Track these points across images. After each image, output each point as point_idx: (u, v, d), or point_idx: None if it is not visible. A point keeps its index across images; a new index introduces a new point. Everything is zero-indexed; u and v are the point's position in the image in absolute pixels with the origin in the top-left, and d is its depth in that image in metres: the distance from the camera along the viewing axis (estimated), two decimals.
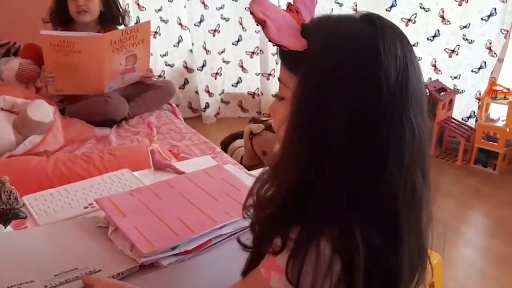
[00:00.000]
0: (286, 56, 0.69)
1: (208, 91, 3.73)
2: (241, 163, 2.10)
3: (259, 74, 3.78)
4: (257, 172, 1.40)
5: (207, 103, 3.74)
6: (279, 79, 0.74)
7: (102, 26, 2.33)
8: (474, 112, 3.24)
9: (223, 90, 3.85)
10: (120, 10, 2.40)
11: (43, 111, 1.87)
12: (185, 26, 3.61)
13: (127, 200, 1.12)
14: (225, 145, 2.36)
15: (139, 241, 0.97)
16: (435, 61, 3.32)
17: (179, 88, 3.77)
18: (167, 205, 1.12)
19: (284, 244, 0.64)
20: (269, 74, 3.75)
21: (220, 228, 1.05)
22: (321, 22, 0.71)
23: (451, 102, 3.22)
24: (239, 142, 2.30)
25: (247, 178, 1.29)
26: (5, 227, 1.06)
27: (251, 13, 0.67)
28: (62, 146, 1.94)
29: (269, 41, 0.67)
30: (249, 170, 2.06)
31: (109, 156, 1.58)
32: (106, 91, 2.25)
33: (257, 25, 0.68)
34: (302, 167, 0.65)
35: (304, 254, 0.62)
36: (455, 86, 3.29)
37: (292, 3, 0.75)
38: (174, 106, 2.59)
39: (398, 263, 0.65)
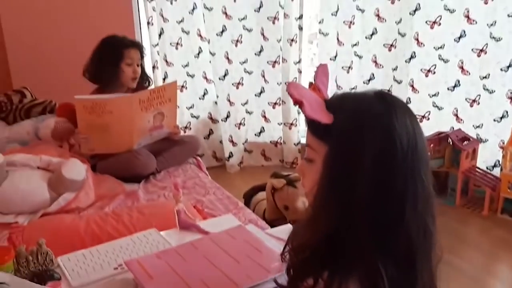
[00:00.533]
0: (315, 127, 0.83)
1: (232, 141, 3.83)
2: (263, 216, 2.15)
3: (281, 123, 3.87)
4: (277, 230, 1.45)
5: (231, 152, 3.84)
6: (307, 144, 0.87)
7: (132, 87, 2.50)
8: (499, 161, 3.22)
9: (246, 139, 3.94)
10: (146, 72, 2.58)
11: (76, 169, 1.99)
12: (210, 80, 3.76)
13: (154, 262, 1.18)
14: (248, 198, 2.42)
15: None
16: (457, 111, 3.35)
17: (204, 138, 3.88)
18: (192, 268, 1.17)
19: (316, 283, 0.76)
20: (291, 124, 3.83)
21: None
22: (342, 99, 0.85)
23: (474, 151, 3.22)
24: (261, 195, 2.35)
25: (267, 239, 1.34)
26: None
27: (289, 94, 0.81)
28: (93, 202, 2.04)
29: (305, 116, 0.81)
30: (271, 224, 2.11)
31: (137, 214, 1.65)
32: (135, 147, 2.36)
33: (295, 105, 0.84)
34: (333, 220, 0.77)
35: None
36: (478, 135, 3.30)
37: (313, 83, 0.92)
38: (199, 159, 2.68)
39: None
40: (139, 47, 2.47)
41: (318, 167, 0.81)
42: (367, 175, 0.75)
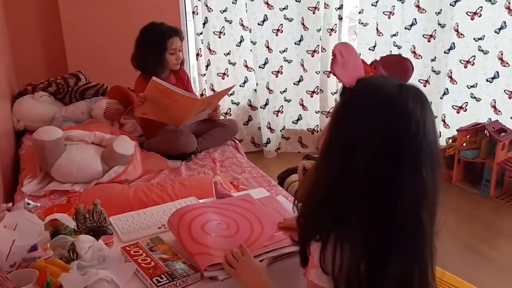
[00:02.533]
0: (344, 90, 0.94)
1: (270, 128, 3.96)
2: (295, 196, 2.28)
3: (319, 112, 3.96)
4: None
5: (269, 138, 3.97)
6: None
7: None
8: None
9: (284, 126, 4.06)
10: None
11: (126, 145, 2.19)
12: (251, 68, 3.90)
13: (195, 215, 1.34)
14: (282, 179, 2.56)
15: (201, 256, 1.18)
16: (495, 102, 3.35)
17: (243, 124, 4.03)
18: (230, 224, 1.32)
19: (325, 239, 0.87)
20: (328, 112, 3.91)
21: (268, 252, 1.23)
22: (374, 77, 0.95)
23: (511, 143, 3.22)
24: (295, 177, 2.48)
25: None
26: (97, 241, 1.32)
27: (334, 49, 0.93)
28: (140, 176, 2.24)
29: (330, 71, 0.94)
30: None
31: (179, 185, 1.83)
32: (180, 127, 2.55)
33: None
34: (333, 175, 0.87)
35: (331, 249, 0.85)
36: None
37: (377, 61, 1.01)
38: (237, 142, 2.84)
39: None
40: (179, 34, 2.62)
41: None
42: (365, 164, 0.84)
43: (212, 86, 3.84)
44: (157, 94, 2.35)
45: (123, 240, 1.36)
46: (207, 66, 3.81)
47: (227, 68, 3.86)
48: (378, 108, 0.86)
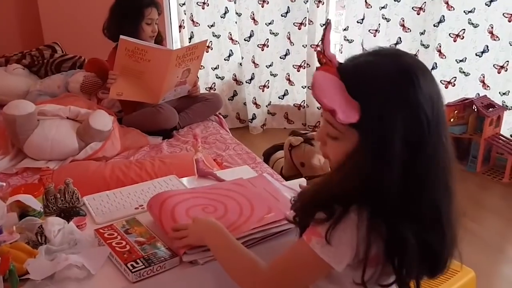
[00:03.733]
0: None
1: (255, 103, 3.87)
2: (280, 173, 2.21)
3: (305, 86, 3.88)
4: (293, 183, 1.50)
5: (254, 114, 3.88)
6: (329, 122, 0.87)
7: None
8: None
9: (270, 102, 3.97)
10: (160, 32, 2.62)
11: (103, 120, 2.08)
12: (236, 41, 3.78)
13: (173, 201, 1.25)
14: (267, 155, 2.48)
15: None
16: (484, 77, 3.29)
17: (228, 99, 3.94)
18: (210, 206, 1.25)
19: (330, 216, 0.82)
20: None
21: (254, 233, 1.16)
22: (363, 79, 0.84)
23: (499, 118, 3.18)
24: (280, 153, 2.41)
25: (283, 189, 1.40)
26: (68, 223, 1.23)
27: (318, 101, 0.84)
28: (118, 152, 2.14)
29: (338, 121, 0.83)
30: (287, 180, 2.17)
31: (159, 163, 1.74)
32: (160, 102, 2.44)
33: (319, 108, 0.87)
34: (365, 176, 0.82)
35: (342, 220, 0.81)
36: (504, 102, 3.25)
37: (321, 55, 0.92)
38: (221, 117, 2.74)
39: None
40: (157, 6, 2.50)
41: (344, 146, 0.85)
42: (398, 155, 0.79)
43: None
44: (128, 60, 2.24)
45: (97, 222, 1.28)
46: (190, 39, 3.68)
47: (211, 41, 3.73)
48: (403, 111, 0.81)
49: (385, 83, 0.81)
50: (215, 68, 3.84)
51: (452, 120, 3.30)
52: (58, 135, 1.99)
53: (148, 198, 1.38)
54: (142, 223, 1.24)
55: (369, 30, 3.57)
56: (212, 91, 3.83)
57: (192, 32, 3.67)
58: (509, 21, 3.08)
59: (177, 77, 2.41)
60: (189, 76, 2.47)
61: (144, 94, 2.37)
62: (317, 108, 3.89)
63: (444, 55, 3.40)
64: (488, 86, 3.29)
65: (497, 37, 3.16)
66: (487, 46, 3.22)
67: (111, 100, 2.59)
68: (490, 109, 3.15)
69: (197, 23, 3.66)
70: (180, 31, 3.67)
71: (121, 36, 2.18)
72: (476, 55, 3.27)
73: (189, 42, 3.66)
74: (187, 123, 2.53)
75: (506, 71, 3.18)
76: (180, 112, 2.51)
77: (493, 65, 3.22)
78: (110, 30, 2.46)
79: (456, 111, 3.27)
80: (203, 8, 3.64)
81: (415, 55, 3.43)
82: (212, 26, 3.71)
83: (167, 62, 2.28)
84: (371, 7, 3.51)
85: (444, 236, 0.87)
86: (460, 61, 3.34)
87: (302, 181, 1.49)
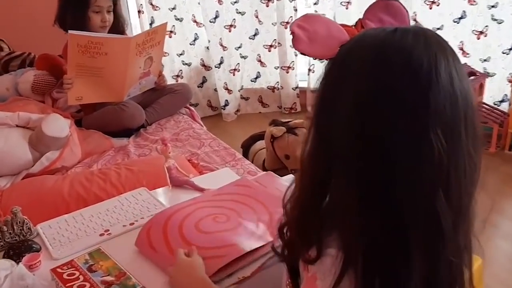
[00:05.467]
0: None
1: (227, 88, 3.66)
2: (263, 166, 2.03)
3: (278, 67, 3.68)
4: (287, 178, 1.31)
5: (227, 100, 3.67)
6: None
7: None
8: (507, 96, 3.07)
9: (242, 86, 3.76)
10: (122, 18, 2.32)
11: (58, 125, 1.83)
12: (201, 23, 3.53)
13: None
14: (246, 148, 2.29)
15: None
16: (462, 44, 3.15)
17: (198, 86, 3.71)
18: (230, 215, 1.05)
19: (319, 253, 0.63)
20: (288, 67, 3.64)
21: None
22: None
23: (481, 86, 3.06)
24: (260, 144, 2.22)
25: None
26: (17, 263, 1.02)
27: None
28: (80, 160, 1.90)
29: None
30: None
31: (126, 172, 1.52)
32: (125, 99, 2.19)
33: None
34: (318, 169, 0.65)
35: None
36: (485, 69, 3.13)
37: (360, 19, 0.77)
38: (192, 109, 2.52)
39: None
40: None
41: None
42: (348, 125, 0.61)
43: None
44: (83, 57, 1.96)
45: (54, 257, 1.07)
46: (151, 24, 3.41)
47: (173, 25, 3.47)
48: (364, 60, 0.62)
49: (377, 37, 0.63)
50: (181, 54, 3.59)
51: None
52: (7, 146, 1.74)
53: (114, 219, 1.18)
54: (109, 255, 1.03)
55: (340, 3, 3.37)
56: (179, 79, 3.59)
57: (152, 17, 3.40)
58: None
59: (139, 68, 2.16)
60: (152, 65, 2.22)
61: (106, 94, 2.12)
62: (292, 89, 3.70)
63: (419, 23, 3.24)
64: (467, 53, 3.16)
65: (474, 1, 3.02)
66: (465, 12, 3.07)
67: (67, 99, 2.32)
68: (471, 77, 3.02)
69: (157, 7, 3.39)
70: (139, 17, 3.39)
71: (70, 31, 1.90)
72: (454, 21, 3.13)
73: (150, 28, 3.40)
74: (155, 119, 2.29)
75: (485, 36, 3.05)
76: (146, 107, 2.27)
77: (472, 31, 3.09)
78: (59, 19, 2.19)
79: None
80: None
81: None
82: (173, 9, 3.44)
83: (126, 51, 2.03)
84: None
85: None
86: (438, 28, 3.19)
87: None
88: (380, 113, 0.59)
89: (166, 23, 2.25)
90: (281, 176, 1.95)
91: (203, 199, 1.15)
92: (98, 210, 1.22)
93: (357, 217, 0.61)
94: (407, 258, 0.60)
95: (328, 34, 0.68)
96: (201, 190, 1.29)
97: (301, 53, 0.69)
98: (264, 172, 1.31)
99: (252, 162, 2.16)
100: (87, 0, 2.11)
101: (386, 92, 0.59)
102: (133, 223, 1.16)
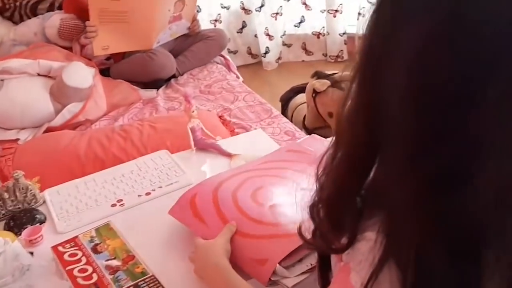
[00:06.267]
0: None
1: (268, 34, 3.39)
2: (303, 124, 1.83)
3: (325, 11, 3.36)
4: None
5: (267, 47, 3.42)
6: None
7: None
8: None
9: (285, 31, 3.49)
10: None
11: (80, 75, 1.69)
12: None
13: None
14: (285, 101, 2.08)
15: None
16: None
17: (237, 32, 3.46)
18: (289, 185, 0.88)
19: (351, 242, 0.50)
20: (336, 11, 3.31)
21: None
22: None
23: None
24: (301, 98, 2.00)
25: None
26: (18, 235, 0.89)
27: None
28: (105, 113, 1.76)
29: None
30: (313, 133, 1.79)
31: (149, 129, 1.37)
32: (154, 46, 2.01)
33: None
34: (361, 136, 0.50)
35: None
36: None
37: None
38: (228, 58, 2.30)
39: None
40: None
41: None
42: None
43: None
44: (104, 1, 1.77)
45: (58, 231, 0.94)
46: None
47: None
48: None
49: None
50: None
51: None
52: (27, 97, 1.62)
53: (130, 186, 1.04)
54: (118, 232, 0.89)
55: None
56: (217, 23, 3.35)
57: None
58: None
59: (168, 11, 1.95)
60: (184, 8, 2.00)
61: (134, 41, 1.93)
62: (339, 35, 3.39)
63: None
64: None
65: None
66: None
67: None
68: None
69: None
70: None
71: None
72: None
73: None
74: (187, 69, 2.10)
75: None
76: (178, 56, 2.07)
77: None
78: None
79: None
80: None
81: None
82: None
83: None
84: None
85: None
86: None
87: None
88: (462, 55, 0.41)
89: None
90: (325, 137, 1.77)
91: (253, 167, 0.96)
92: (113, 175, 1.08)
93: (416, 200, 0.45)
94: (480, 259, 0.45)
95: None
96: (227, 155, 1.12)
97: None
98: (308, 136, 1.11)
99: (291, 118, 1.96)
100: None
101: (473, 23, 0.40)
102: (149, 193, 1.02)
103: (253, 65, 3.53)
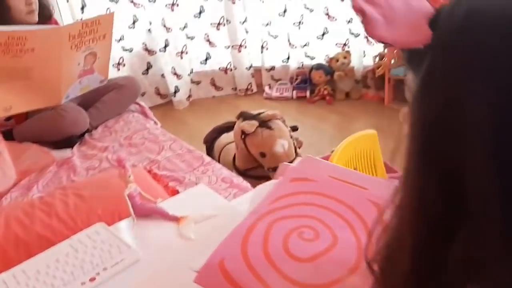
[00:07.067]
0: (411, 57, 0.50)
1: (175, 73, 3.36)
2: (233, 165, 1.79)
3: (229, 46, 3.41)
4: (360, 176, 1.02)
5: (176, 86, 3.37)
6: None
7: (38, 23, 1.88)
8: None
9: (192, 69, 3.47)
10: (45, 2, 1.94)
11: None
12: (138, 4, 3.17)
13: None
14: (210, 143, 2.03)
15: None
16: None
17: (142, 73, 3.38)
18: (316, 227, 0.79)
19: None
20: (240, 46, 3.38)
21: None
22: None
23: None
24: (226, 138, 1.97)
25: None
26: None
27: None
28: (15, 182, 1.58)
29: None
30: (245, 174, 1.76)
31: (74, 199, 1.23)
32: (63, 101, 1.85)
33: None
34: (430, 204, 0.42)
35: None
36: None
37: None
38: (143, 104, 2.21)
39: None
40: None
41: None
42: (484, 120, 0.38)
43: None
44: (5, 58, 1.59)
45: None
46: (82, 8, 3.02)
47: (108, 8, 3.10)
48: (499, 34, 0.38)
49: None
50: (120, 39, 3.23)
51: (393, 61, 3.05)
52: None
53: (68, 273, 0.92)
54: None
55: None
56: (121, 67, 3.24)
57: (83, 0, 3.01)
58: None
59: (78, 65, 1.82)
60: (96, 62, 1.88)
61: (40, 98, 1.75)
62: (246, 68, 3.45)
63: None
64: None
65: None
66: None
67: None
68: None
69: None
70: (68, 0, 2.98)
71: None
72: None
73: (82, 13, 3.01)
74: (101, 121, 1.97)
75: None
76: (88, 108, 1.94)
77: None
78: None
79: (396, 51, 3.00)
80: None
81: (345, 44, 3.10)
82: None
83: (58, 45, 1.69)
84: None
85: None
86: None
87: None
88: None
89: (113, 13, 1.90)
90: (257, 177, 1.75)
91: (266, 210, 0.84)
92: (46, 262, 0.94)
93: None
94: None
95: (407, 7, 0.47)
96: (174, 219, 1.04)
97: (378, 40, 0.50)
98: (301, 159, 1.00)
99: (219, 160, 1.92)
100: None
101: None
102: (94, 278, 0.90)
103: (163, 105, 3.46)
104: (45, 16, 1.90)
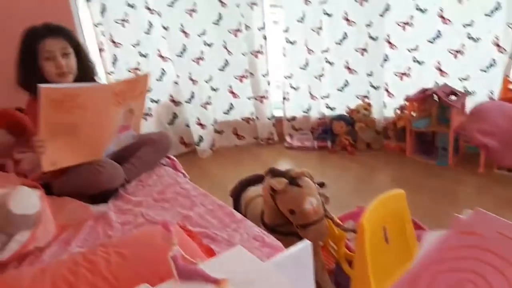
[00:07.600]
0: None
1: (199, 123, 3.47)
2: (261, 220, 1.84)
3: (252, 97, 3.53)
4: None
5: (200, 135, 3.48)
6: None
7: None
8: None
9: (215, 119, 3.59)
10: (91, 63, 2.07)
11: (27, 200, 1.58)
12: (167, 58, 3.33)
13: None
14: (236, 196, 2.09)
15: None
16: (439, 64, 3.12)
17: (168, 124, 3.50)
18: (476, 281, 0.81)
19: None
20: (262, 97, 3.50)
21: None
22: None
23: (463, 106, 3.01)
24: (252, 191, 2.03)
25: None
26: None
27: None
28: (54, 237, 1.64)
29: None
30: (274, 229, 1.81)
31: (116, 258, 1.29)
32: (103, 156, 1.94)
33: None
34: None
35: None
36: (465, 88, 3.10)
37: None
38: (173, 158, 2.30)
39: None
40: (59, 33, 1.91)
41: None
42: None
43: None
44: (58, 114, 1.69)
45: None
46: (113, 63, 3.18)
47: (138, 62, 3.26)
48: None
49: None
50: (148, 91, 3.36)
51: (414, 114, 3.12)
52: None
53: None
54: None
55: (311, 29, 3.27)
56: (148, 117, 3.37)
57: (114, 54, 3.17)
58: (459, 2, 2.91)
59: (118, 120, 1.92)
60: (132, 119, 1.99)
61: (82, 153, 1.83)
62: (267, 118, 3.55)
63: (394, 45, 3.19)
64: (445, 73, 3.13)
65: (448, 20, 2.99)
66: (439, 31, 3.04)
67: (31, 160, 2.05)
68: (453, 97, 2.97)
69: (119, 43, 3.17)
70: (101, 55, 3.15)
71: (40, 86, 1.62)
72: (429, 41, 3.09)
73: (113, 67, 3.17)
74: (135, 176, 2.05)
75: (462, 55, 3.02)
76: (122, 163, 2.02)
77: (448, 51, 3.06)
78: (18, 77, 1.92)
79: (417, 104, 3.08)
80: (123, 26, 3.15)
81: (364, 49, 3.20)
82: (137, 45, 3.23)
83: (106, 102, 1.79)
84: (310, 3, 3.21)
85: None
86: (413, 49, 3.15)
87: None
88: None
89: (149, 73, 2.02)
90: (286, 233, 1.79)
91: (432, 261, 0.88)
92: None
93: None
94: None
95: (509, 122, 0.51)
96: (214, 281, 1.09)
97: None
98: (472, 212, 1.01)
99: (245, 214, 1.96)
100: (34, 48, 1.85)
101: None
102: None
103: (187, 154, 3.56)
104: (88, 79, 2.01)
